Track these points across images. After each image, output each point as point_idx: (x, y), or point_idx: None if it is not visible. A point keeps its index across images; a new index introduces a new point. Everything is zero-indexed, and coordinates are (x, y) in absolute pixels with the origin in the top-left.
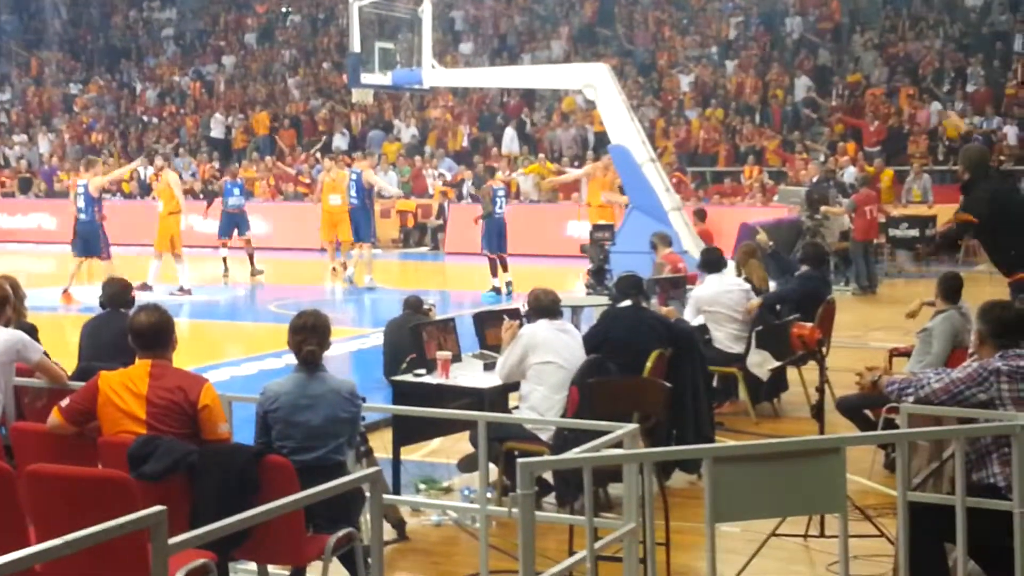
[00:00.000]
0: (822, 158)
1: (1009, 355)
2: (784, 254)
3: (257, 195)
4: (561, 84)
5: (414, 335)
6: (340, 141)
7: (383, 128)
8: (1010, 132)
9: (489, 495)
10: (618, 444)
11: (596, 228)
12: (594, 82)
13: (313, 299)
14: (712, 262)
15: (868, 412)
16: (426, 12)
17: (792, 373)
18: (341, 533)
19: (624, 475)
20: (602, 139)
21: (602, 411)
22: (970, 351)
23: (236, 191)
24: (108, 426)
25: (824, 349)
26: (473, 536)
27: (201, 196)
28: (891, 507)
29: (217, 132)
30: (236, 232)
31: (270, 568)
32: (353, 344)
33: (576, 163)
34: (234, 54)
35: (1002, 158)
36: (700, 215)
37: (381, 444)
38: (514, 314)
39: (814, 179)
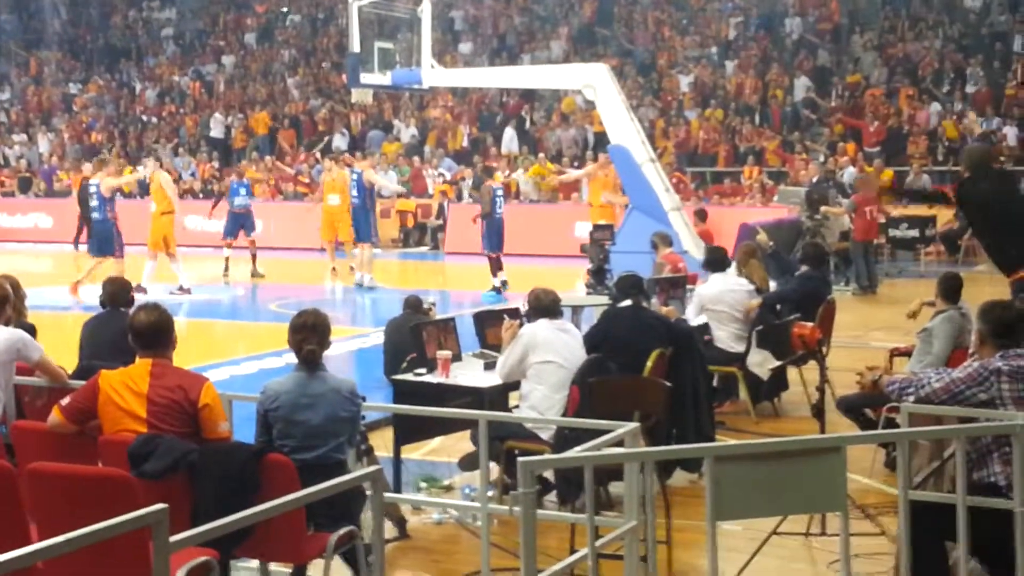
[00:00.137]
0: (822, 158)
1: (1010, 355)
2: (784, 254)
3: (257, 195)
4: (561, 84)
5: (414, 334)
6: (340, 141)
7: (383, 128)
8: (1010, 133)
9: (490, 493)
10: (619, 443)
11: (596, 228)
12: (594, 82)
13: (313, 298)
14: (716, 261)
15: (869, 411)
16: (425, 12)
17: (792, 373)
18: (342, 531)
19: (625, 474)
20: (602, 139)
21: (603, 410)
22: (971, 351)
23: (242, 191)
24: (109, 425)
25: (824, 349)
26: (474, 534)
27: (201, 196)
28: (892, 506)
29: (217, 132)
30: (242, 232)
31: (272, 566)
32: (353, 343)
33: (576, 163)
34: (234, 54)
35: (1002, 159)
36: (701, 215)
37: (382, 443)
38: (514, 314)
39: (814, 179)
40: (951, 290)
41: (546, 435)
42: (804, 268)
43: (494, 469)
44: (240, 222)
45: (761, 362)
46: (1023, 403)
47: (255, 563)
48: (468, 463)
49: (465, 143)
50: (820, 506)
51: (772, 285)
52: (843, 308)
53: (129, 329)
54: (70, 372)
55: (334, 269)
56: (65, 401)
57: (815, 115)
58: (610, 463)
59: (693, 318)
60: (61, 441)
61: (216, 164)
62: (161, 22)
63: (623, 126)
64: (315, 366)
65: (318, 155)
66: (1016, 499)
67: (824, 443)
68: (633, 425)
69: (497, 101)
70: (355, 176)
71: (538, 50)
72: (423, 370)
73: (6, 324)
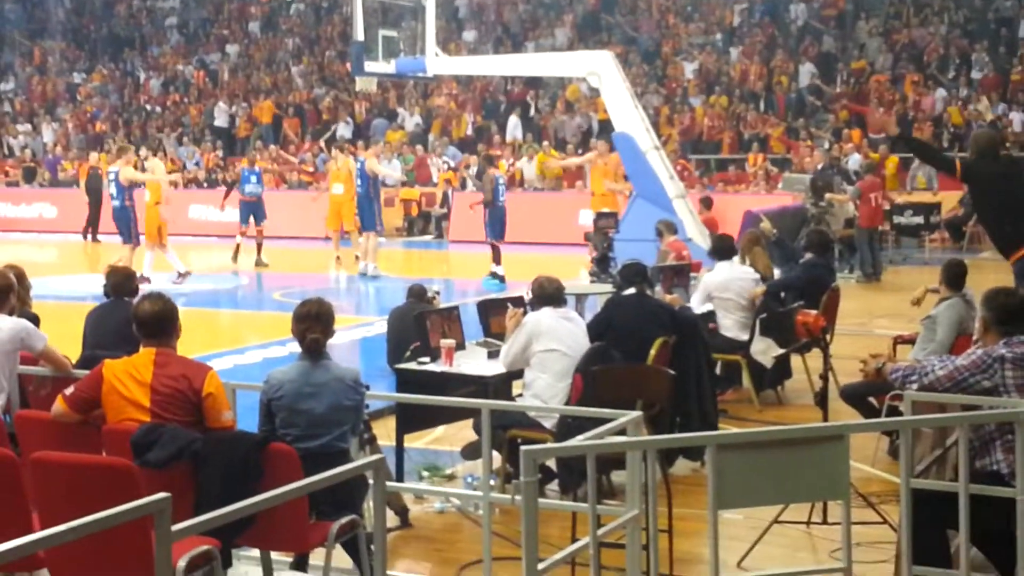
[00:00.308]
0: (826, 145)
1: (1013, 342)
2: (788, 242)
3: None
4: (565, 72)
5: (418, 323)
6: (344, 130)
7: (387, 116)
8: (1016, 118)
9: (492, 482)
10: (622, 431)
11: (600, 216)
12: (598, 70)
13: (317, 287)
14: (723, 249)
15: (872, 399)
16: (429, 0)
17: (796, 360)
18: (344, 520)
19: (627, 462)
20: (606, 127)
21: (606, 399)
22: (974, 338)
23: (253, 179)
24: (112, 414)
25: (828, 336)
26: (476, 523)
27: (205, 185)
28: (894, 494)
29: (221, 121)
30: (252, 220)
31: (273, 555)
32: (357, 332)
33: (580, 151)
34: (238, 43)
35: (1007, 144)
36: (706, 203)
37: (385, 432)
38: (518, 302)
39: (819, 166)
40: (955, 277)
41: (549, 424)
42: (808, 255)
43: (496, 458)
44: (251, 210)
45: (765, 350)
46: None
47: (257, 552)
48: (471, 452)
49: (469, 131)
50: (822, 494)
51: (776, 273)
52: (847, 296)
53: (133, 318)
54: (74, 361)
55: (338, 258)
56: (69, 390)
57: (820, 101)
58: (612, 452)
59: (698, 306)
60: (65, 430)
61: (220, 153)
62: (165, 11)
63: (627, 114)
64: (319, 355)
65: (322, 144)
66: (1019, 487)
67: (827, 431)
68: (636, 413)
69: (501, 89)
70: (359, 165)
71: (542, 38)
72: (427, 359)
73: (10, 314)
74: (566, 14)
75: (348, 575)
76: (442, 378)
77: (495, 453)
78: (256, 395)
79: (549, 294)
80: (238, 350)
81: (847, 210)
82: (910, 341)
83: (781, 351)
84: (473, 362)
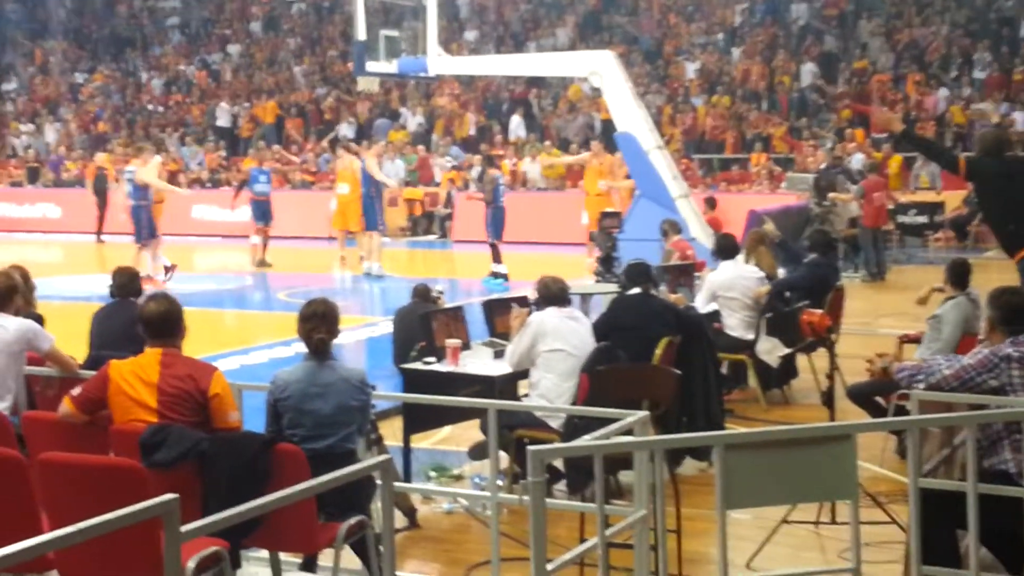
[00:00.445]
0: (829, 144)
1: (1020, 341)
2: (792, 242)
3: None
4: (567, 72)
5: (423, 323)
6: (347, 130)
7: (389, 116)
8: (1018, 118)
9: (500, 483)
10: (628, 431)
11: (604, 216)
12: (600, 70)
13: (322, 287)
14: (727, 248)
15: (879, 399)
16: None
17: (802, 360)
18: (352, 521)
19: (635, 462)
20: (609, 127)
21: (612, 398)
22: (980, 337)
23: (263, 178)
24: (119, 414)
25: (834, 336)
26: (484, 524)
27: (208, 185)
28: (902, 494)
29: (223, 121)
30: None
31: (281, 556)
32: (363, 332)
33: (584, 151)
34: (240, 43)
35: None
36: (710, 203)
37: (391, 432)
38: (523, 302)
39: (822, 166)
40: (960, 276)
41: (555, 424)
42: (812, 256)
43: (504, 458)
44: (262, 209)
45: (770, 349)
46: None
47: (265, 553)
48: (478, 452)
49: (472, 131)
50: (830, 494)
51: (780, 272)
52: (852, 295)
53: (140, 318)
54: (80, 362)
55: (343, 258)
56: (76, 391)
57: (823, 99)
58: (619, 452)
59: (702, 306)
60: (72, 431)
61: (223, 153)
62: (166, 11)
63: (630, 113)
64: (324, 355)
65: (325, 144)
66: None
67: (834, 431)
68: (642, 413)
69: (504, 89)
70: (362, 164)
71: (544, 37)
72: (432, 359)
73: (15, 314)
74: (568, 14)
75: None
76: (448, 378)
77: (502, 453)
78: (262, 395)
79: (554, 294)
80: (244, 350)
81: (851, 209)
82: (916, 340)
83: (787, 351)
84: (479, 362)
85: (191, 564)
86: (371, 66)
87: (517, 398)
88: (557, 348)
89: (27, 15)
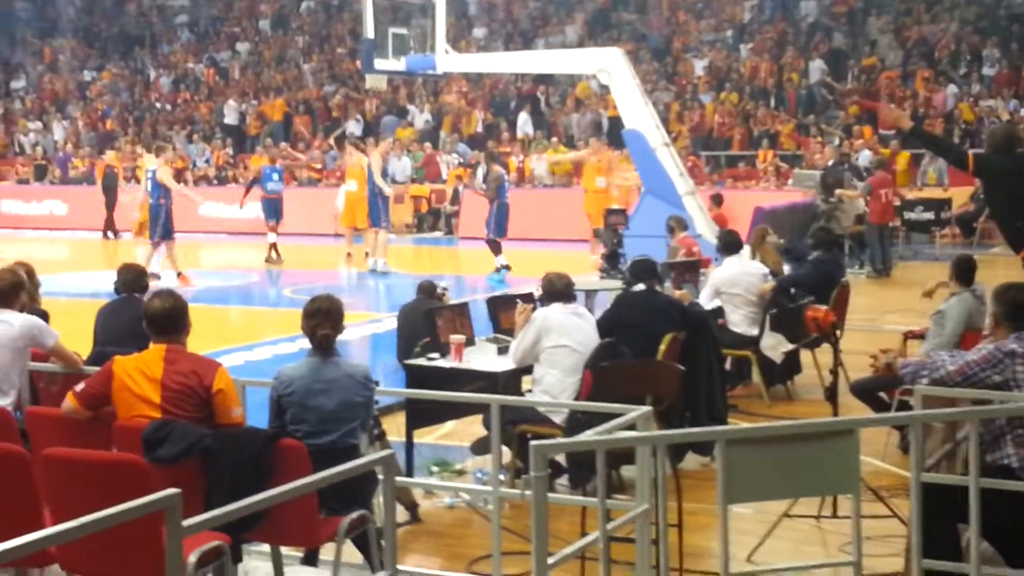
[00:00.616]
0: (837, 141)
1: None
2: (798, 240)
3: None
4: (575, 69)
5: (428, 319)
6: (354, 127)
7: (397, 114)
8: None
9: (502, 477)
10: (631, 427)
11: (610, 212)
12: (608, 67)
13: (327, 284)
14: (730, 244)
15: (882, 394)
16: None
17: (806, 356)
18: (354, 515)
19: (637, 457)
20: (616, 124)
21: (615, 394)
22: (985, 333)
23: (275, 176)
24: (123, 410)
25: (838, 332)
26: (486, 518)
27: (216, 182)
28: (904, 488)
29: (231, 119)
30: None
31: (283, 550)
32: (367, 328)
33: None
34: (248, 41)
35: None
36: (717, 200)
37: (394, 427)
38: (528, 298)
39: (829, 163)
40: (965, 272)
41: (558, 419)
42: (816, 253)
43: (506, 453)
44: (274, 207)
45: (775, 345)
46: None
47: (266, 547)
48: (480, 447)
49: (479, 128)
50: (832, 489)
51: (786, 270)
52: (857, 291)
53: (144, 315)
54: (84, 358)
55: (349, 255)
56: (79, 387)
57: (831, 96)
58: (622, 447)
59: (706, 302)
60: (75, 427)
61: (230, 151)
62: (175, 9)
63: (638, 110)
64: (329, 351)
65: (332, 141)
66: None
67: (837, 426)
68: (645, 409)
69: (511, 86)
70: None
71: (552, 35)
72: (436, 355)
73: (20, 311)
74: (576, 11)
75: (358, 570)
76: (452, 374)
77: (505, 448)
78: (266, 391)
79: (558, 290)
80: (248, 346)
81: (857, 206)
82: (920, 336)
83: (791, 346)
84: (483, 358)
85: (193, 558)
86: (379, 64)
87: (520, 394)
88: (561, 344)
89: (36, 13)
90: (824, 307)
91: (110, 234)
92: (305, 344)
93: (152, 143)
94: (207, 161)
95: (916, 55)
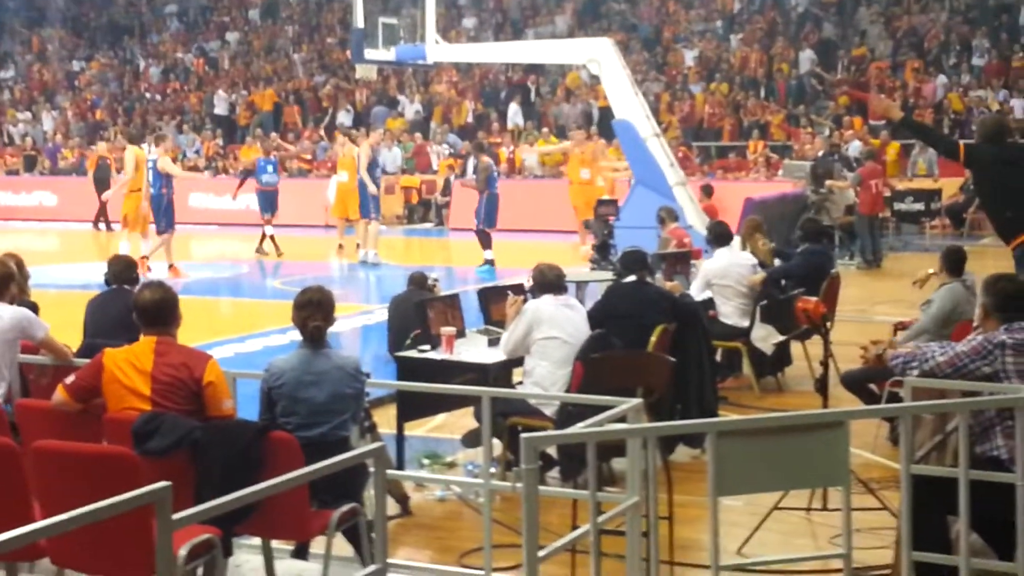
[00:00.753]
0: (827, 132)
1: (1014, 328)
2: (788, 231)
3: None
4: (565, 59)
5: (419, 311)
6: (344, 117)
7: (387, 104)
8: (1017, 105)
9: (493, 470)
10: (622, 419)
11: (600, 203)
12: (598, 57)
13: (318, 275)
14: (720, 235)
15: (872, 386)
16: None
17: (796, 347)
18: (345, 508)
19: (628, 449)
20: (607, 114)
21: (606, 386)
22: (975, 324)
23: (270, 168)
24: (113, 403)
25: (828, 323)
26: (477, 511)
27: (205, 173)
28: (894, 480)
29: (221, 109)
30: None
31: (274, 543)
32: (358, 320)
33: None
34: (238, 30)
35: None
36: (707, 191)
37: (385, 420)
38: (519, 289)
39: (819, 153)
40: (955, 263)
41: (549, 411)
42: (805, 245)
43: (497, 445)
44: (269, 199)
45: (765, 337)
46: None
47: (257, 540)
48: (471, 440)
49: (470, 118)
50: (823, 481)
51: (776, 262)
52: (848, 282)
53: (134, 307)
54: (75, 350)
55: (340, 246)
56: (69, 379)
57: (821, 86)
58: (613, 439)
59: (697, 293)
60: (65, 419)
61: (220, 141)
62: None
63: (628, 101)
64: (319, 343)
65: (322, 132)
66: (1018, 473)
67: (827, 418)
68: (636, 401)
69: (502, 76)
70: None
71: (542, 25)
72: (427, 346)
73: (10, 303)
74: (566, 1)
75: (349, 563)
76: (443, 366)
77: (496, 441)
78: (257, 383)
79: (549, 281)
80: (239, 338)
81: (847, 197)
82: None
83: (781, 338)
84: (474, 350)
85: (183, 551)
86: (369, 54)
87: (511, 386)
88: (552, 336)
89: (25, 2)
90: (814, 298)
91: (102, 225)
92: (296, 336)
93: (135, 134)
94: (197, 152)
95: (906, 45)
